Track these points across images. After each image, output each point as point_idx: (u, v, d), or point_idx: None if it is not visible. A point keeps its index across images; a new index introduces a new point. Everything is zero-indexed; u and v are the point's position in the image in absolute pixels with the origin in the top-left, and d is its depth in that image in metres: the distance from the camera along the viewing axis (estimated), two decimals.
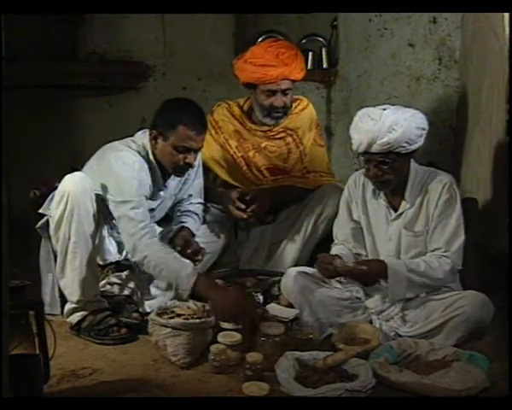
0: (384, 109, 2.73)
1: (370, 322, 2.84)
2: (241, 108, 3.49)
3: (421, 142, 2.73)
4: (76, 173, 2.88)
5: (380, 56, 4.29)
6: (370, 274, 2.73)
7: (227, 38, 4.40)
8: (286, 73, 3.27)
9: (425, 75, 4.26)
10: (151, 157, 2.98)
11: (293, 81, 3.34)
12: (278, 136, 3.46)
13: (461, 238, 2.74)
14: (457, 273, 2.80)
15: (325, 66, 4.43)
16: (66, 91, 4.35)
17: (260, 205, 3.27)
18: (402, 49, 4.26)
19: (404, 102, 4.04)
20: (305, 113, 3.50)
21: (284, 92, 3.32)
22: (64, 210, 2.81)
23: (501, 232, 3.01)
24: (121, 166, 2.89)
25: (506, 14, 2.92)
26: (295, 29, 4.55)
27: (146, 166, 2.95)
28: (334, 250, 2.91)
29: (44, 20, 4.16)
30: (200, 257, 3.06)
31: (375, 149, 2.68)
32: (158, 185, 3.04)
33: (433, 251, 2.76)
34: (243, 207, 3.26)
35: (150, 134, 2.95)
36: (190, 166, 2.97)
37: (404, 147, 2.68)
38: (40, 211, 2.97)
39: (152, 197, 3.03)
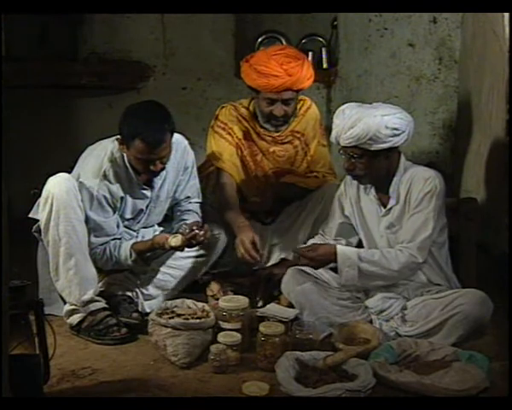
0: (360, 106, 2.77)
1: (370, 322, 2.84)
2: (247, 109, 3.40)
3: (395, 142, 2.73)
4: (59, 174, 2.84)
5: (380, 56, 4.29)
6: (319, 256, 2.82)
7: (227, 38, 4.40)
8: (288, 83, 3.15)
9: (425, 75, 4.26)
10: (125, 158, 2.92)
11: (298, 91, 3.24)
12: (287, 140, 3.39)
13: (426, 232, 2.74)
14: (418, 267, 2.79)
15: (325, 66, 4.43)
16: (66, 91, 4.35)
17: (264, 200, 3.24)
18: (402, 49, 4.26)
19: (404, 102, 4.09)
20: (309, 113, 3.45)
21: (286, 102, 3.22)
22: (50, 212, 2.78)
23: (501, 232, 3.02)
24: (84, 182, 2.86)
25: (506, 14, 2.92)
26: (295, 29, 4.54)
27: (111, 170, 2.90)
28: (310, 240, 3.00)
29: (44, 20, 4.16)
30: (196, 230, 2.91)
31: (342, 142, 2.76)
32: (139, 185, 2.98)
33: (400, 243, 2.77)
34: (253, 254, 3.04)
35: (117, 140, 2.89)
36: (157, 173, 2.91)
37: (369, 144, 2.71)
38: (30, 215, 2.94)
39: (135, 196, 2.99)
